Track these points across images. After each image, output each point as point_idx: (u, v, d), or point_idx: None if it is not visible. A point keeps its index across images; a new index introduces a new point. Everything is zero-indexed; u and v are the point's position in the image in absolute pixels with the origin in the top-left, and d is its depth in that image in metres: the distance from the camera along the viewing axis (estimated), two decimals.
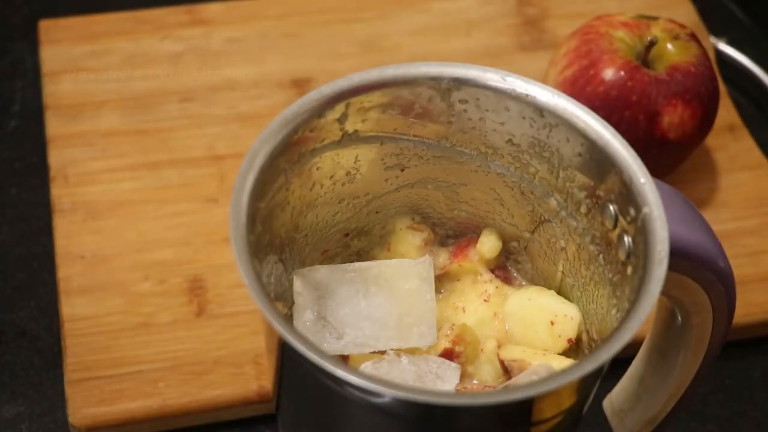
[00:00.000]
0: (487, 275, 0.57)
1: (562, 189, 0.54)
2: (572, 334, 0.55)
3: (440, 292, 0.57)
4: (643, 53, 0.68)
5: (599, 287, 0.54)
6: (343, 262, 0.57)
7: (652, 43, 0.68)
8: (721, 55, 0.82)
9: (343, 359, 0.53)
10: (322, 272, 0.54)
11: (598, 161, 0.51)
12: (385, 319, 0.53)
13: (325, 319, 0.53)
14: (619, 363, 0.52)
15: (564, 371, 0.44)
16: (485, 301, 0.56)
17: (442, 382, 0.52)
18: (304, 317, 0.53)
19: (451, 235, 0.59)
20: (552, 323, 0.55)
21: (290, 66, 0.78)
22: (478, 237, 0.58)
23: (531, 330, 0.55)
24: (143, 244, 0.68)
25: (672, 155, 0.69)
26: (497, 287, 0.57)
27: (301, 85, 0.76)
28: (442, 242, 0.59)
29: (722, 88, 0.77)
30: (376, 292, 0.54)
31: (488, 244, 0.57)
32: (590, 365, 0.45)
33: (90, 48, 0.77)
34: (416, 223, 0.58)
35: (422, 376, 0.52)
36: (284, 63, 0.78)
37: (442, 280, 0.57)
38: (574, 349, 0.55)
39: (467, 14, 0.81)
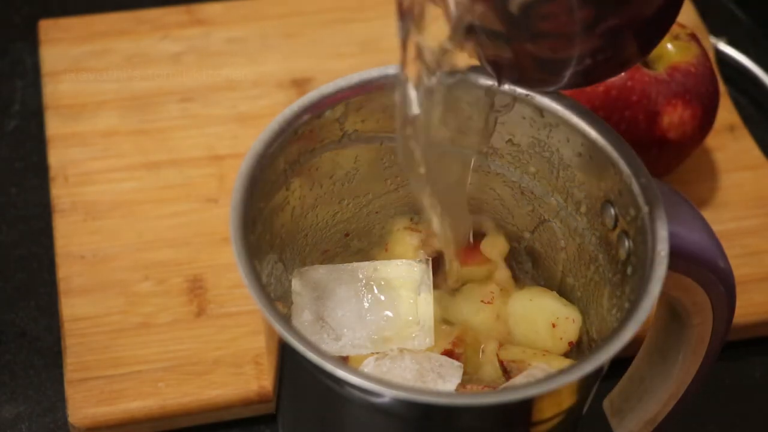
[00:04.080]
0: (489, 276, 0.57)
1: (562, 189, 0.54)
2: (573, 337, 0.55)
3: (441, 293, 0.57)
4: None
5: (599, 287, 0.54)
6: (343, 262, 0.57)
7: None
8: (721, 55, 0.82)
9: (343, 359, 0.53)
10: (321, 272, 0.54)
11: (598, 161, 0.51)
12: (382, 321, 0.53)
13: (323, 320, 0.53)
14: (619, 363, 0.52)
15: (564, 371, 0.44)
16: (487, 302, 0.56)
17: (443, 381, 0.52)
18: (302, 317, 0.53)
19: None
20: (553, 325, 0.55)
21: (290, 66, 0.78)
22: (480, 238, 0.58)
23: (532, 331, 0.55)
24: (143, 244, 0.68)
25: (672, 155, 0.69)
26: (499, 288, 0.57)
27: (301, 85, 0.76)
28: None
29: (722, 88, 0.77)
30: (375, 294, 0.54)
31: (497, 247, 0.57)
32: (590, 365, 0.45)
33: (90, 48, 0.77)
34: (414, 224, 0.58)
35: (424, 375, 0.52)
36: (284, 63, 0.78)
37: (443, 280, 0.57)
38: (575, 350, 0.55)
39: None
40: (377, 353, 0.53)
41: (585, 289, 0.55)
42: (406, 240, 0.57)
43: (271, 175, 0.51)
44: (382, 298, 0.54)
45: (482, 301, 0.56)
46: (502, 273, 0.57)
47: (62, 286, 0.66)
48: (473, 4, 0.46)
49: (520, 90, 0.52)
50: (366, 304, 0.54)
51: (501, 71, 0.50)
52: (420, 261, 0.55)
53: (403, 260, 0.56)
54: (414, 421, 0.48)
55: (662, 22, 0.48)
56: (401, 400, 0.45)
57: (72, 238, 0.68)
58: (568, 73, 0.48)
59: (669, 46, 0.68)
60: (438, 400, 0.44)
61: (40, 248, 0.69)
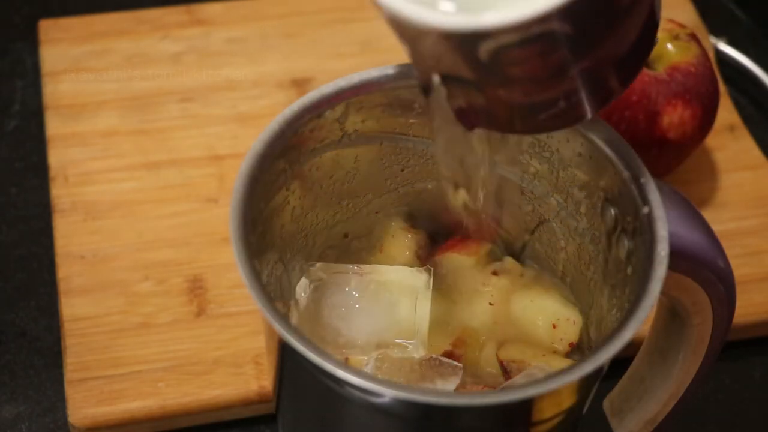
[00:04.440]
0: (490, 275, 0.57)
1: (562, 189, 0.54)
2: (573, 338, 0.55)
3: (441, 293, 0.57)
4: None
5: (599, 287, 0.53)
6: (343, 262, 0.57)
7: None
8: (721, 55, 0.82)
9: (343, 359, 0.53)
10: (321, 273, 0.54)
11: (598, 161, 0.51)
12: (379, 325, 0.53)
13: (323, 320, 0.53)
14: (619, 363, 0.52)
15: (564, 371, 0.44)
16: (487, 303, 0.56)
17: (443, 381, 0.52)
18: (302, 317, 0.53)
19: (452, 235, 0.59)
20: (554, 326, 0.55)
21: (290, 66, 0.78)
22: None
23: (533, 332, 0.55)
24: (143, 244, 0.68)
25: (672, 155, 0.69)
26: (499, 288, 0.57)
27: (301, 85, 0.76)
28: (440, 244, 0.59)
29: (722, 88, 0.77)
30: (374, 297, 0.54)
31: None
32: (590, 365, 0.44)
33: (90, 48, 0.77)
34: (409, 225, 0.58)
35: (424, 375, 0.52)
36: (284, 63, 0.78)
37: (445, 279, 0.57)
38: (575, 350, 0.55)
39: None
40: (376, 354, 0.53)
41: (585, 290, 0.55)
42: (401, 241, 0.57)
43: (271, 175, 0.51)
44: (381, 302, 0.54)
45: (482, 302, 0.56)
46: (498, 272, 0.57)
47: (62, 286, 0.66)
48: (441, 55, 0.44)
49: None
50: (364, 307, 0.53)
51: (474, 118, 0.48)
52: (422, 269, 0.55)
53: (406, 267, 0.56)
54: (414, 421, 0.48)
55: (637, 54, 0.47)
56: (401, 400, 0.45)
57: (72, 238, 0.68)
58: (545, 116, 0.47)
59: (669, 46, 0.68)
60: (438, 400, 0.44)
61: (40, 248, 0.69)
